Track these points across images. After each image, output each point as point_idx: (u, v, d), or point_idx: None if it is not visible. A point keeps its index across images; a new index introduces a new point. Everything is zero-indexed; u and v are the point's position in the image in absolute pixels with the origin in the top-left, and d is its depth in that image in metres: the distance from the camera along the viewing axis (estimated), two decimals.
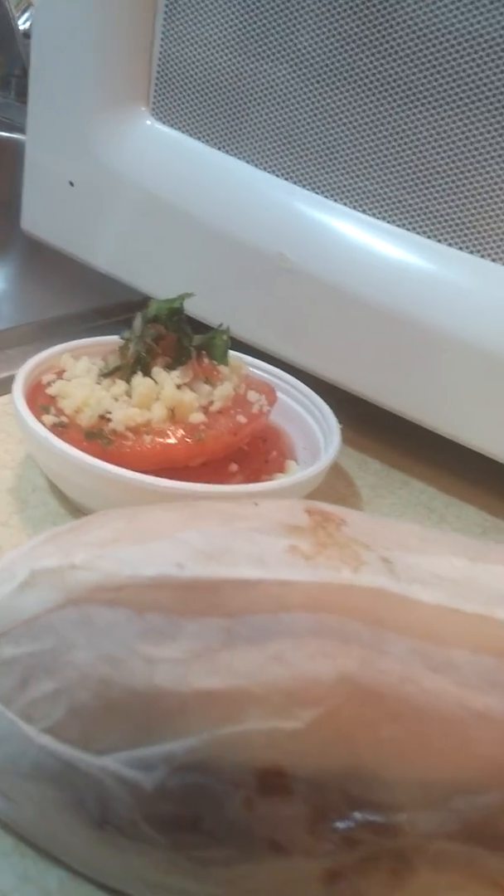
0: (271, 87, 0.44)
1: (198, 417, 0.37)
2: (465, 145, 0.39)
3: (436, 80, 0.39)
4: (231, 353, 0.41)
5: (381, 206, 0.43)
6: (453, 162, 0.40)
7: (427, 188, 0.41)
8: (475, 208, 0.40)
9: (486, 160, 0.39)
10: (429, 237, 0.41)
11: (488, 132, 0.38)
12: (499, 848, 0.21)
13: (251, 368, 0.44)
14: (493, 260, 0.40)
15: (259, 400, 0.40)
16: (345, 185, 0.43)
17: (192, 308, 0.41)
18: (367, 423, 0.46)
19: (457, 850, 0.21)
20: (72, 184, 0.49)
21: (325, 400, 0.43)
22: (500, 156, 0.38)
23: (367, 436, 0.48)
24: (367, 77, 0.41)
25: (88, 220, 0.50)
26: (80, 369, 0.39)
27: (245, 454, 0.40)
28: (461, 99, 0.39)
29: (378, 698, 0.21)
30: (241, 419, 0.38)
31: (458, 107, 0.39)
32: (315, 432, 0.42)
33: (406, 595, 0.22)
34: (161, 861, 0.21)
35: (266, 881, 0.22)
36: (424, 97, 0.40)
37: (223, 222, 0.46)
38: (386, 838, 0.22)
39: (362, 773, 0.21)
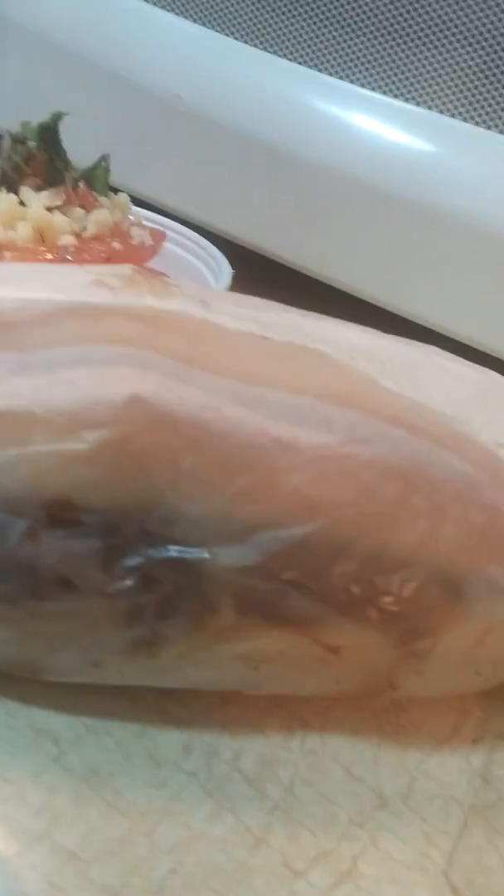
0: None
1: (68, 240, 0.35)
2: None
3: None
4: (121, 194, 0.40)
5: (289, 46, 0.41)
6: None
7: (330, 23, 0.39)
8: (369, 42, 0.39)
9: None
10: (338, 77, 0.40)
11: None
12: (301, 584, 0.20)
13: (145, 222, 0.43)
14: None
15: (142, 235, 0.39)
16: (250, 24, 0.42)
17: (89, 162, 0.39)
18: (266, 280, 0.44)
19: (259, 588, 0.20)
20: None
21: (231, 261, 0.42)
22: None
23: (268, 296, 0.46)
24: None
25: None
26: None
27: None
28: None
29: (173, 423, 0.20)
30: (117, 246, 0.37)
31: None
32: (211, 285, 0.41)
33: (211, 320, 0.21)
34: None
35: (57, 622, 0.20)
36: None
37: (121, 65, 0.44)
38: (185, 576, 0.20)
39: (161, 507, 0.20)
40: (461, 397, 0.22)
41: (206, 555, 0.20)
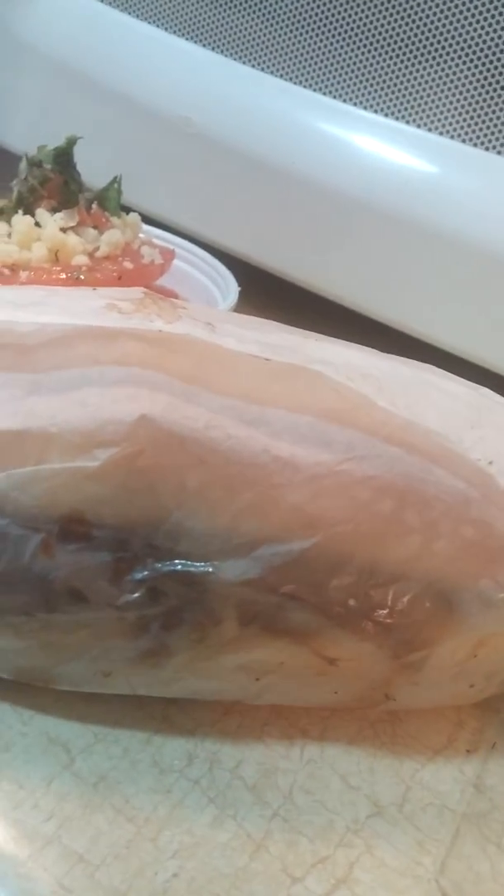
0: None
1: (81, 260, 0.36)
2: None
3: None
4: (132, 213, 0.41)
5: (293, 68, 0.42)
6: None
7: (333, 42, 0.40)
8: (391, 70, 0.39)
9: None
10: (342, 100, 0.41)
11: None
12: (299, 597, 0.21)
13: (155, 240, 0.44)
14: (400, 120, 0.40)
15: (152, 254, 0.40)
16: (257, 49, 0.42)
17: (100, 182, 0.40)
18: (272, 297, 0.45)
19: (260, 601, 0.21)
20: None
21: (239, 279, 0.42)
22: None
23: (274, 311, 0.47)
24: None
25: None
26: None
27: None
28: None
29: (180, 442, 0.20)
30: (128, 265, 0.38)
31: None
32: (218, 301, 0.42)
33: (215, 342, 0.21)
34: None
35: (69, 633, 0.21)
36: None
37: (133, 88, 0.45)
38: (190, 589, 0.21)
39: (167, 523, 0.21)
40: (453, 416, 0.22)
41: (209, 569, 0.21)
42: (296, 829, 0.20)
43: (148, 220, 0.44)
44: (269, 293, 0.44)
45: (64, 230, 0.37)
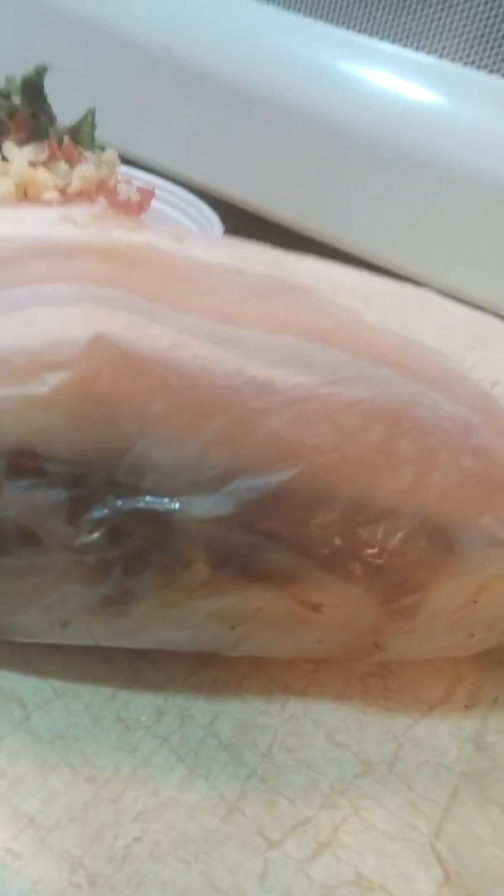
0: None
1: (51, 196, 0.34)
2: None
3: None
4: (109, 150, 0.39)
5: None
6: None
7: None
8: None
9: None
10: (333, 23, 0.38)
11: None
12: (278, 536, 0.19)
13: (134, 181, 0.42)
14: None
15: (129, 191, 0.37)
16: None
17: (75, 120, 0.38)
18: (258, 238, 0.43)
19: (234, 541, 0.19)
20: None
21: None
22: None
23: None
24: None
25: None
26: None
27: None
28: None
29: (141, 364, 0.18)
30: (102, 202, 0.36)
31: None
32: None
33: (183, 253, 0.19)
34: None
35: (21, 579, 0.19)
36: None
37: (110, 19, 0.43)
38: (155, 528, 0.19)
39: (129, 455, 0.19)
40: (453, 334, 0.20)
41: (176, 505, 0.19)
42: (274, 790, 0.18)
43: (127, 161, 0.42)
44: (255, 235, 0.42)
45: (33, 165, 0.34)
